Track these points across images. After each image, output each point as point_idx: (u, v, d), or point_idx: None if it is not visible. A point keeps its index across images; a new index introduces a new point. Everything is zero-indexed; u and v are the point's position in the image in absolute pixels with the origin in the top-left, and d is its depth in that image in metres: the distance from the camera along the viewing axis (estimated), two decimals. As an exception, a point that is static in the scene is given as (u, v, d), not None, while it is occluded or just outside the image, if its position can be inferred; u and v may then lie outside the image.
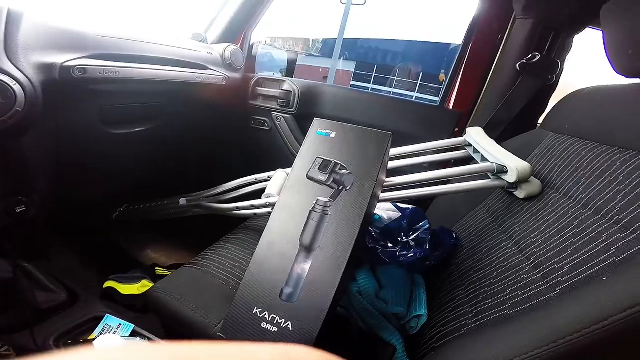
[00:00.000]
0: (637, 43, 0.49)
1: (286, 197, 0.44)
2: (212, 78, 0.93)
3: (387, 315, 0.52)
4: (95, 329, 0.65)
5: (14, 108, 0.53)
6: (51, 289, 0.73)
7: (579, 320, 0.27)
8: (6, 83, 0.52)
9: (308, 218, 0.41)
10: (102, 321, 0.65)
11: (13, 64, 0.54)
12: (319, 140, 0.46)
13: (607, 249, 0.36)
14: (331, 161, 0.43)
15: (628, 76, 0.53)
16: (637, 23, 0.49)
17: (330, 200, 0.41)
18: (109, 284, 0.83)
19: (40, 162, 0.67)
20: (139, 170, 1.00)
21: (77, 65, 0.62)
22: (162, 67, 0.79)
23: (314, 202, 0.41)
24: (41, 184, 0.69)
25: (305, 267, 0.39)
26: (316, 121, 0.48)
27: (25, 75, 0.55)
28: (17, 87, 0.53)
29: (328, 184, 0.42)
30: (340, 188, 0.41)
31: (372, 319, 0.51)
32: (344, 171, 0.42)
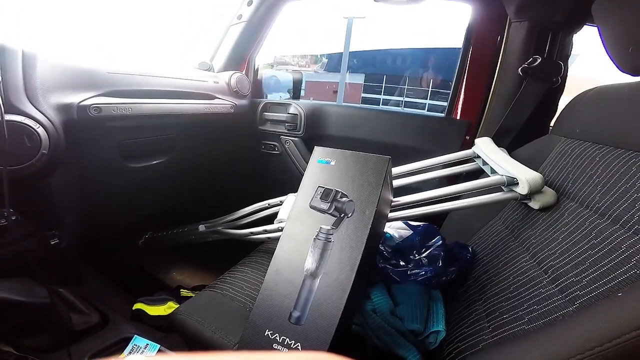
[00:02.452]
0: (635, 40, 0.47)
1: (291, 227, 0.45)
2: (220, 107, 0.97)
3: (403, 332, 0.52)
4: (125, 349, 0.69)
5: (40, 151, 0.56)
6: (84, 311, 0.77)
7: (590, 338, 0.27)
8: (31, 127, 0.54)
9: (312, 245, 0.42)
10: (131, 341, 0.70)
11: (34, 106, 0.56)
12: (320, 169, 0.47)
13: (628, 260, 0.34)
14: (332, 190, 0.44)
15: (633, 74, 0.51)
16: (630, 19, 0.47)
17: (332, 228, 0.41)
18: (137, 306, 0.88)
19: (67, 198, 0.71)
20: (159, 200, 1.05)
21: (92, 105, 0.64)
22: (172, 101, 0.82)
23: (317, 230, 0.42)
24: (70, 217, 0.73)
25: (311, 291, 0.41)
26: (316, 150, 0.49)
27: (46, 117, 0.57)
28: (40, 130, 0.55)
29: (330, 212, 0.42)
30: (342, 216, 0.42)
31: (388, 336, 0.51)
32: (344, 199, 0.42)
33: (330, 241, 0.41)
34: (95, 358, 0.67)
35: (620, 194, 0.41)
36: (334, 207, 0.42)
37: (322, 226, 0.42)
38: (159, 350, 0.67)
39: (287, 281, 0.42)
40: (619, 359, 0.25)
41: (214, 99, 0.96)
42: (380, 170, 0.43)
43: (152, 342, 0.68)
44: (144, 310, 0.87)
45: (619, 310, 0.28)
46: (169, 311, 0.86)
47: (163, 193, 1.03)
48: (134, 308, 0.87)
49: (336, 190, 0.43)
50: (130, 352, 0.68)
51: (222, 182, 1.25)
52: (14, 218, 0.56)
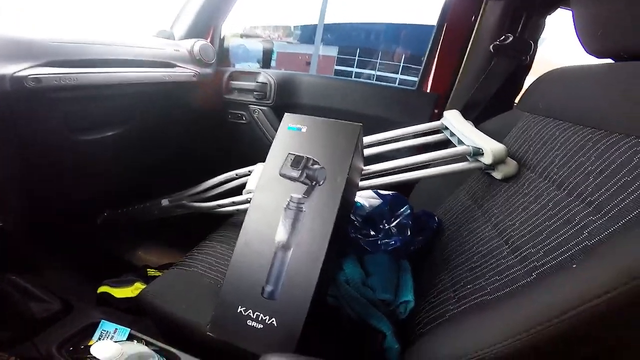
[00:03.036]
0: (605, 23, 0.48)
1: (260, 197, 0.43)
2: (181, 75, 0.90)
3: (375, 302, 0.53)
4: (93, 335, 0.66)
5: None
6: (44, 299, 0.73)
7: (548, 309, 0.27)
8: None
9: (283, 215, 0.41)
10: (99, 327, 0.66)
11: None
12: (290, 136, 0.45)
13: (580, 232, 0.35)
14: (303, 157, 0.42)
15: (598, 56, 0.53)
16: (604, 2, 0.48)
17: (304, 197, 0.40)
18: (102, 289, 0.84)
19: (7, 178, 0.65)
20: (117, 175, 0.98)
21: (29, 75, 0.58)
22: (125, 70, 0.76)
23: (288, 199, 0.41)
24: (13, 198, 0.68)
25: (284, 264, 0.40)
26: (287, 116, 0.47)
27: None
28: None
29: (301, 180, 0.41)
30: (313, 184, 0.41)
31: (360, 306, 0.52)
32: (316, 166, 0.41)
33: (302, 210, 0.40)
34: (63, 346, 0.63)
35: (576, 167, 0.43)
36: (305, 174, 0.41)
37: (293, 195, 0.41)
38: (130, 334, 0.64)
39: (258, 254, 0.41)
40: (576, 330, 0.26)
41: (174, 67, 0.89)
42: (352, 137, 0.42)
43: (122, 327, 0.65)
44: (109, 293, 0.83)
45: (573, 282, 0.28)
46: (137, 292, 0.81)
47: (120, 167, 0.96)
48: (98, 291, 0.83)
49: (307, 157, 0.42)
50: (99, 338, 0.64)
51: (186, 153, 1.19)
52: None
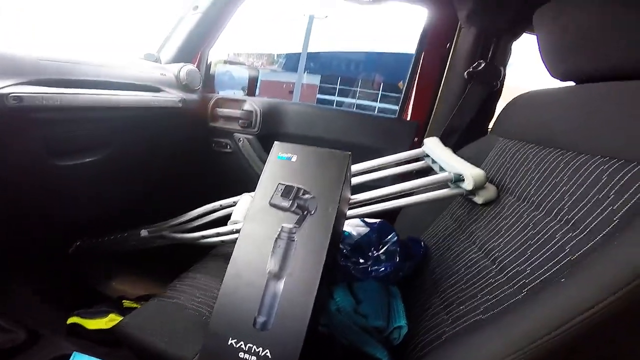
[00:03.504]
0: (567, 47, 0.53)
1: (250, 227, 0.43)
2: (166, 101, 0.90)
3: (368, 329, 0.52)
4: None
5: None
6: (6, 328, 0.68)
7: (542, 324, 0.28)
8: None
9: (274, 246, 0.40)
10: (71, 359, 0.61)
11: None
12: (280, 165, 0.45)
13: (562, 248, 0.37)
14: (294, 187, 0.42)
15: (562, 79, 0.57)
16: (566, 27, 0.52)
17: (295, 227, 0.40)
18: (73, 319, 0.79)
19: None
20: (94, 203, 0.94)
21: (11, 93, 0.57)
22: (110, 92, 0.75)
23: (279, 230, 0.41)
24: None
25: (276, 294, 0.39)
26: (276, 145, 0.47)
27: None
28: None
29: (292, 210, 0.41)
30: (304, 213, 0.40)
31: (353, 334, 0.51)
32: (307, 196, 0.41)
33: (294, 240, 0.40)
34: None
35: (551, 188, 0.45)
36: (296, 204, 0.41)
37: (284, 225, 0.40)
38: None
39: (248, 284, 0.39)
40: (570, 343, 0.27)
41: (159, 91, 0.89)
42: (342, 166, 0.43)
43: (97, 359, 0.61)
44: (80, 325, 0.78)
45: (563, 296, 0.30)
46: (111, 324, 0.78)
47: (97, 194, 0.92)
48: (68, 322, 0.78)
49: (298, 187, 0.42)
50: None
51: (168, 182, 1.16)
52: None
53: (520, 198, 0.51)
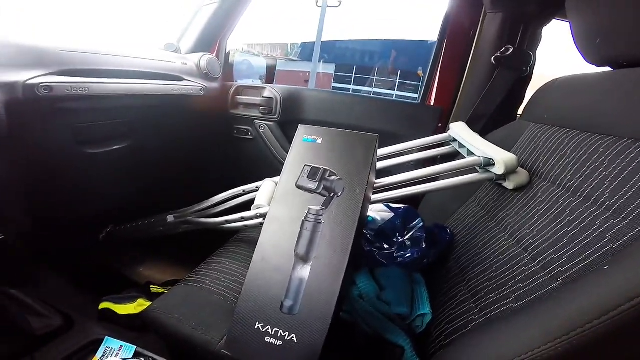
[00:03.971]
0: (603, 32, 0.50)
1: (276, 209, 0.43)
2: (189, 89, 0.91)
3: (390, 316, 0.52)
4: (96, 352, 0.63)
5: None
6: (44, 314, 0.71)
7: (587, 311, 0.27)
8: None
9: (301, 228, 0.40)
10: (103, 344, 0.64)
11: None
12: (305, 148, 0.45)
13: (603, 236, 0.36)
14: (320, 168, 0.42)
15: (599, 65, 0.54)
16: (602, 12, 0.50)
17: (322, 208, 0.40)
18: (104, 305, 0.82)
19: (12, 189, 0.64)
20: (122, 190, 0.97)
21: (41, 83, 0.58)
22: (135, 81, 0.76)
23: (306, 212, 0.40)
24: (16, 210, 0.67)
25: (303, 278, 0.39)
26: (301, 128, 0.47)
27: None
28: None
29: (318, 191, 0.41)
30: (331, 195, 0.40)
31: (376, 321, 0.51)
32: (333, 177, 0.41)
33: (321, 222, 0.39)
34: None
35: (590, 173, 0.43)
36: (322, 186, 0.40)
37: (311, 207, 0.40)
38: (136, 352, 0.62)
39: (275, 269, 0.40)
40: (615, 330, 0.26)
41: (181, 80, 0.90)
42: (369, 148, 0.42)
43: (127, 344, 0.63)
44: (112, 310, 0.81)
45: (609, 283, 0.29)
46: (140, 309, 0.81)
47: (125, 182, 0.95)
48: (100, 308, 0.81)
49: (324, 169, 0.41)
50: (103, 356, 0.62)
51: (192, 169, 1.19)
52: None
53: (555, 183, 0.49)
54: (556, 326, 0.29)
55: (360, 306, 0.52)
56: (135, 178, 0.98)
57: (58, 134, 0.69)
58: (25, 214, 0.69)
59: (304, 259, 0.39)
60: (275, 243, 0.41)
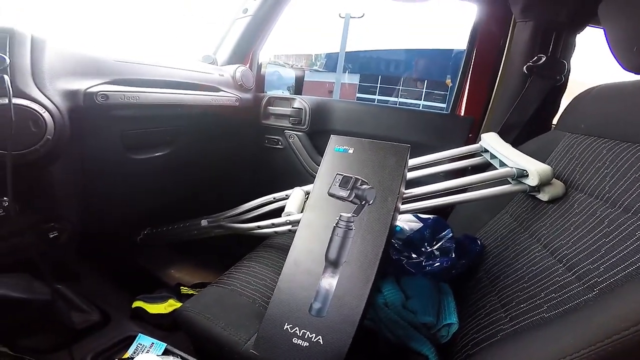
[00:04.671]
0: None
1: (309, 216, 0.45)
2: (225, 100, 0.96)
3: (416, 325, 0.51)
4: (129, 348, 0.66)
5: (44, 136, 0.54)
6: (84, 309, 0.74)
7: (625, 317, 0.27)
8: (37, 111, 0.53)
9: (332, 234, 0.42)
10: (136, 340, 0.66)
11: (41, 91, 0.55)
12: (337, 157, 0.47)
13: None
14: (351, 177, 0.44)
15: (636, 72, 0.52)
16: (637, 18, 0.49)
17: (353, 216, 0.41)
18: (137, 304, 0.85)
19: (69, 189, 0.69)
20: (160, 194, 1.03)
21: (99, 92, 0.63)
22: (178, 91, 0.81)
23: (337, 218, 0.42)
24: (71, 210, 0.71)
25: (332, 282, 0.40)
26: (333, 138, 0.49)
27: (52, 102, 0.55)
28: (46, 115, 0.54)
29: (350, 199, 0.42)
30: (362, 203, 0.42)
31: (401, 329, 0.51)
32: (365, 186, 0.42)
33: (352, 229, 0.41)
34: (97, 358, 0.64)
35: (630, 184, 0.42)
36: (354, 194, 0.42)
37: (342, 214, 0.42)
38: (166, 349, 0.64)
39: (307, 272, 0.41)
40: None
41: (218, 91, 0.96)
42: (401, 158, 0.44)
43: (158, 341, 0.66)
44: (143, 309, 0.84)
45: None
46: (170, 309, 0.84)
47: (164, 186, 1.01)
48: (133, 306, 0.85)
49: (356, 178, 0.43)
50: (134, 352, 0.65)
51: (224, 176, 1.24)
52: (13, 208, 0.54)
53: (593, 195, 0.47)
54: (591, 333, 0.29)
55: (385, 314, 0.52)
56: (173, 184, 1.04)
57: (110, 139, 0.75)
58: (78, 214, 0.74)
59: (334, 263, 0.41)
60: (307, 248, 0.43)
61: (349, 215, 0.42)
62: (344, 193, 0.43)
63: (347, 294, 0.39)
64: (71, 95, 0.60)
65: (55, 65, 0.58)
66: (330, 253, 0.41)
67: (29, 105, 0.52)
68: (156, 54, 0.84)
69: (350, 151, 0.46)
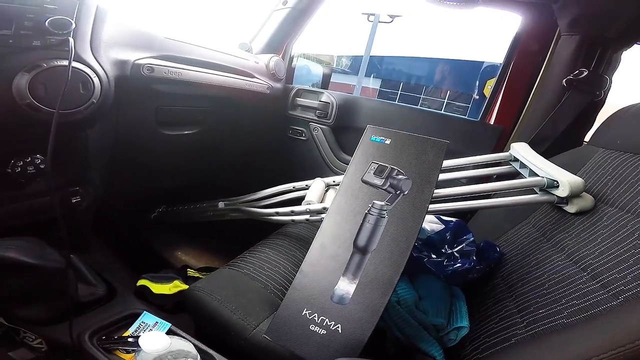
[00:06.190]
0: None
1: (340, 201, 0.45)
2: (258, 86, 0.98)
3: (426, 326, 0.52)
4: (131, 326, 0.62)
5: (90, 99, 0.56)
6: (92, 282, 0.71)
7: None
8: (88, 75, 0.55)
9: (363, 220, 0.42)
10: (139, 318, 0.63)
11: (95, 57, 0.57)
12: (373, 146, 0.48)
13: None
14: (387, 166, 0.44)
15: None
16: None
17: (387, 204, 0.42)
18: (142, 282, 0.82)
19: (98, 155, 0.70)
20: (183, 172, 1.05)
21: (146, 64, 0.66)
22: (216, 72, 0.83)
23: (370, 205, 0.43)
24: (96, 176, 0.72)
25: (359, 268, 0.40)
26: (369, 128, 0.50)
27: (103, 69, 0.58)
28: (96, 80, 0.56)
29: (385, 188, 0.43)
30: (397, 192, 0.42)
31: (411, 329, 0.50)
32: (401, 176, 0.43)
33: (384, 217, 0.41)
34: (97, 334, 0.60)
35: None
36: (389, 183, 0.43)
37: (376, 201, 0.43)
38: (170, 330, 0.60)
39: (333, 257, 0.41)
40: None
41: (252, 77, 0.98)
42: (439, 153, 0.44)
43: (162, 321, 0.62)
44: (148, 287, 0.81)
45: None
46: (175, 290, 0.82)
47: (188, 165, 1.03)
48: (137, 284, 0.81)
49: (392, 167, 0.44)
50: (137, 329, 0.61)
51: (246, 161, 1.26)
52: (49, 167, 0.52)
53: (624, 209, 0.47)
54: (622, 334, 0.29)
55: (396, 312, 0.52)
56: (197, 163, 1.06)
57: (145, 112, 0.77)
58: (102, 182, 0.74)
59: (362, 250, 0.41)
60: (336, 232, 0.43)
61: (383, 203, 0.42)
62: (378, 181, 0.44)
63: (373, 282, 0.39)
64: (120, 64, 0.63)
65: (112, 35, 0.61)
66: (360, 239, 0.42)
67: (82, 68, 0.55)
68: (199, 35, 0.86)
69: (387, 142, 0.47)
